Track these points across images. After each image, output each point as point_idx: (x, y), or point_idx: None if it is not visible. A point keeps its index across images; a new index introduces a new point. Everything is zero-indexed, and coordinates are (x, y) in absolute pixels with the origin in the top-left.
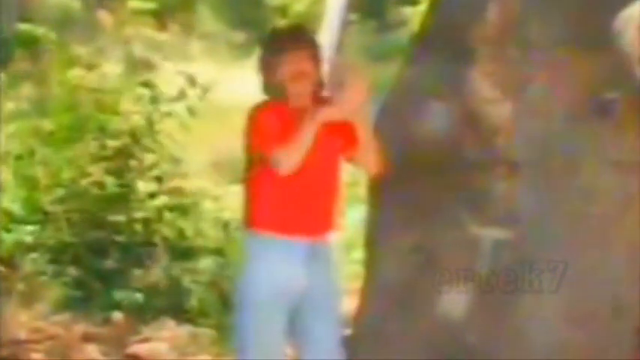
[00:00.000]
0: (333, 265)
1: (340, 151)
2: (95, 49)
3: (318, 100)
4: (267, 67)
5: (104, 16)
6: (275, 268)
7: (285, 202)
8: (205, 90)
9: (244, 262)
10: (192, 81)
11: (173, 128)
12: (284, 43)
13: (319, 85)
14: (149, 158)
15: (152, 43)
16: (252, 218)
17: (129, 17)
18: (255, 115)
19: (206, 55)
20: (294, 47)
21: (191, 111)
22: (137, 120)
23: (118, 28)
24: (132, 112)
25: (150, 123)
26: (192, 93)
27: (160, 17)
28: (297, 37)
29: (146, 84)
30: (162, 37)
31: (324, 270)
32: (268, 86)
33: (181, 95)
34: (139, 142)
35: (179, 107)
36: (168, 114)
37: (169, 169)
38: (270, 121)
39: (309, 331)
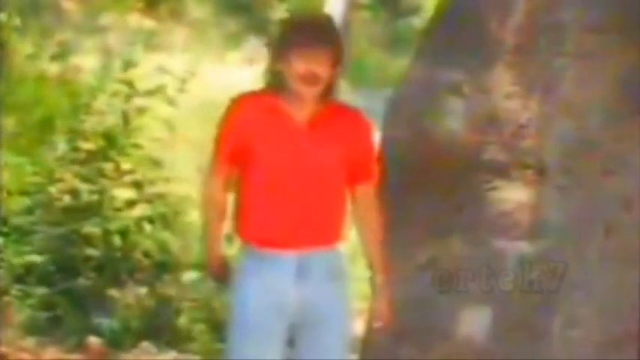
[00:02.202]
0: (334, 282)
1: (345, 173)
2: (65, 38)
3: (326, 105)
4: (278, 56)
5: (69, 5)
6: (263, 283)
7: (272, 213)
8: (184, 81)
9: (236, 278)
10: (166, 72)
11: (153, 126)
12: (305, 37)
13: (331, 89)
14: (127, 161)
15: (135, 31)
16: (240, 229)
17: (106, 3)
18: (234, 106)
19: (194, 44)
20: (315, 45)
21: (170, 101)
22: (112, 119)
23: (92, 17)
24: (106, 110)
25: (126, 121)
26: (170, 85)
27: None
28: (322, 33)
29: (124, 81)
30: (147, 24)
31: (322, 287)
32: (272, 73)
33: (159, 89)
34: (115, 143)
35: (157, 102)
36: (146, 109)
37: (150, 173)
38: (242, 118)
39: (309, 352)
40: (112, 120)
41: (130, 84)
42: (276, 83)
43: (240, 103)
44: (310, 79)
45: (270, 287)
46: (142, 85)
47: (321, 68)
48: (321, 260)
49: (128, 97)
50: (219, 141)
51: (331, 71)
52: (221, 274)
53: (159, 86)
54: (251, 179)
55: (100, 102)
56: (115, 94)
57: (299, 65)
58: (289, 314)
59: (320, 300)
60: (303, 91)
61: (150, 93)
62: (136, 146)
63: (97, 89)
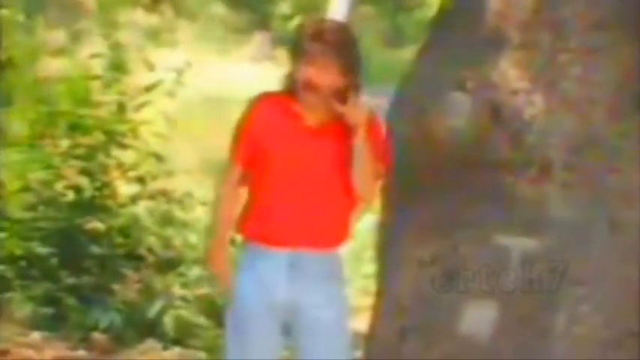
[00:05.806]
0: (327, 285)
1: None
2: (72, 33)
3: (333, 117)
4: (292, 61)
5: None
6: (255, 278)
7: (270, 211)
8: (180, 73)
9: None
10: (151, 67)
11: (155, 121)
12: (313, 47)
13: (342, 95)
14: (128, 157)
15: (142, 26)
16: (241, 226)
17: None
18: (252, 107)
19: (199, 40)
20: (320, 56)
21: (170, 94)
22: (108, 112)
23: (104, 11)
24: (102, 102)
25: (122, 113)
26: (170, 79)
27: None
28: (331, 45)
29: (115, 67)
30: (152, 19)
31: (315, 288)
32: (288, 76)
33: (156, 84)
34: (113, 137)
35: (157, 95)
36: (146, 104)
37: (152, 169)
38: (260, 120)
39: (306, 349)
40: (107, 112)
41: (121, 68)
42: (291, 86)
43: (259, 104)
44: (308, 87)
45: (261, 281)
46: (140, 80)
47: (321, 78)
48: (314, 261)
49: (118, 90)
50: (237, 142)
51: (339, 80)
52: (225, 276)
53: (156, 82)
54: (259, 178)
55: (95, 93)
56: (108, 84)
57: (303, 73)
58: (281, 310)
59: (312, 302)
60: (302, 97)
61: (149, 88)
62: (137, 140)
63: (89, 79)
